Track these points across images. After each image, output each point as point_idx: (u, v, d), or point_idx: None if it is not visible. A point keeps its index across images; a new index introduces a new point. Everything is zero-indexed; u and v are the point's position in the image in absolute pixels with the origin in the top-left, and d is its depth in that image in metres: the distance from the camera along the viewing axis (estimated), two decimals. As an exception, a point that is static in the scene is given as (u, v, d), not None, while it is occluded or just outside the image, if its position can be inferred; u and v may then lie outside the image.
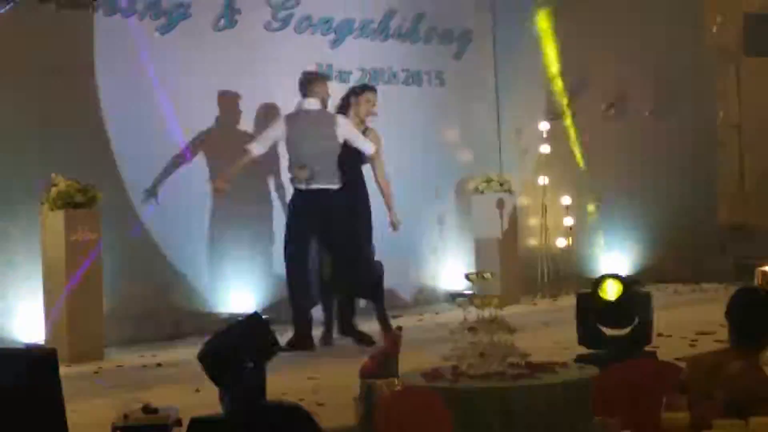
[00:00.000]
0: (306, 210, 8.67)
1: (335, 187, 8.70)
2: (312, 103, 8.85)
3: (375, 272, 8.98)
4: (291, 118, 8.89)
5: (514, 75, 11.81)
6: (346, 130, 8.84)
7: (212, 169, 9.71)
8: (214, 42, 9.96)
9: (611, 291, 6.66)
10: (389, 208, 9.21)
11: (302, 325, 8.68)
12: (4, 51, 8.80)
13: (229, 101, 9.99)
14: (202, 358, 4.10)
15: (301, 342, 8.57)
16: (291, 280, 8.80)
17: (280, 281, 10.17)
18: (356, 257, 8.80)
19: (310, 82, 8.93)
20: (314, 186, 8.65)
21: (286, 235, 8.88)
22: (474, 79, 11.54)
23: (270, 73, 10.24)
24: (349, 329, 8.87)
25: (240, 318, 4.54)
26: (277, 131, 8.90)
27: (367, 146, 8.94)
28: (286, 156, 8.96)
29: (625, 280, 6.79)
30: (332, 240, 8.75)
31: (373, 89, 9.31)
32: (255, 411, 2.52)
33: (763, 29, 13.07)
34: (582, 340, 6.72)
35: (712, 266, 12.43)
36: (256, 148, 8.95)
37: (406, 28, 11.27)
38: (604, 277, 6.82)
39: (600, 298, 6.66)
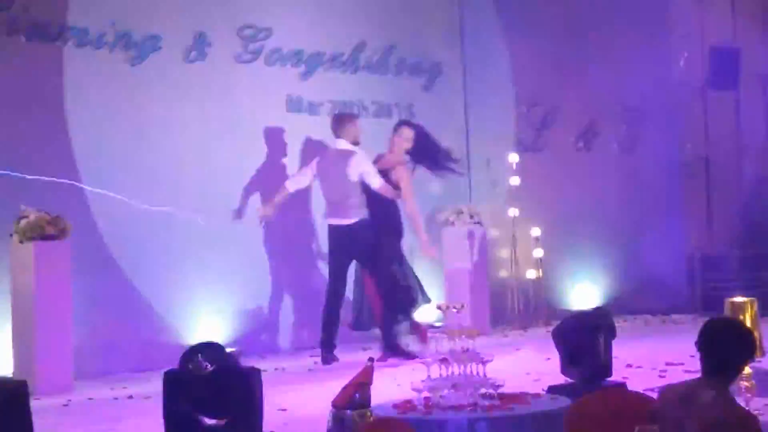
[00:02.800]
0: (333, 244, 9.48)
1: (351, 221, 9.33)
2: (340, 143, 9.52)
3: (408, 291, 9.53)
4: (321, 158, 9.61)
5: (483, 107, 11.88)
6: (360, 167, 9.41)
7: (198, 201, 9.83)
8: (185, 74, 9.98)
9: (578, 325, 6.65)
10: (421, 236, 9.76)
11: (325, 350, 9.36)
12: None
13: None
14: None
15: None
16: (323, 311, 9.47)
17: (249, 313, 10.19)
18: (386, 279, 9.39)
19: (340, 123, 9.62)
20: (334, 222, 9.45)
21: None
22: (444, 111, 11.60)
23: (241, 105, 10.27)
24: (394, 347, 9.32)
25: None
26: (308, 170, 9.70)
27: (373, 181, 9.42)
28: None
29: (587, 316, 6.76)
30: (365, 266, 9.49)
31: (407, 124, 9.98)
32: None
33: (727, 63, 13.20)
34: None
35: (682, 297, 12.51)
36: (290, 185, 9.75)
37: (375, 60, 11.32)
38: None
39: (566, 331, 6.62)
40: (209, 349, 5.62)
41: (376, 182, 9.42)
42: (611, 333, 6.65)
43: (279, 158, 10.52)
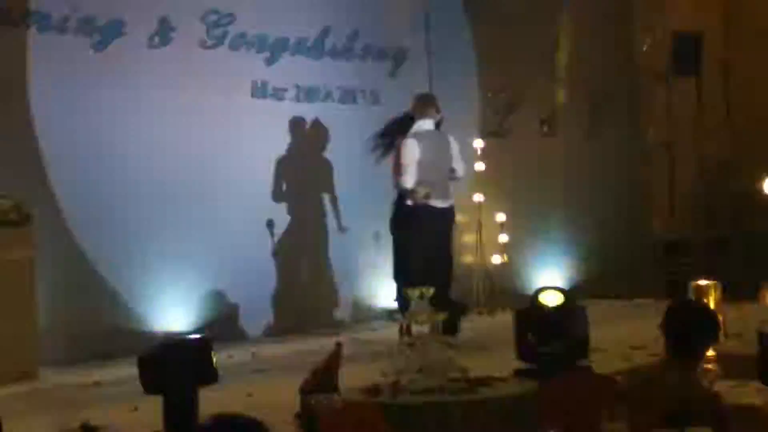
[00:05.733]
0: (429, 226, 9.18)
1: (450, 203, 9.37)
2: (428, 124, 9.42)
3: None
4: (418, 140, 9.31)
5: (448, 93, 11.86)
6: (456, 149, 9.46)
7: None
8: (148, 59, 9.91)
9: (551, 301, 6.71)
10: None
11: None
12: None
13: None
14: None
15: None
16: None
17: (216, 299, 10.17)
18: (449, 268, 9.42)
19: (427, 103, 9.54)
20: (435, 204, 9.23)
21: (400, 248, 9.35)
22: (409, 97, 11.57)
23: (206, 91, 10.22)
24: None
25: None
26: (416, 155, 9.25)
27: (460, 166, 9.48)
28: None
29: (565, 292, 6.85)
30: (434, 252, 9.26)
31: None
32: (202, 427, 2.50)
33: (690, 48, 13.27)
34: (520, 356, 6.77)
35: (646, 281, 12.59)
36: (409, 182, 9.23)
37: (341, 45, 11.31)
38: (543, 289, 6.88)
39: (538, 310, 6.69)
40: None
41: (461, 167, 9.50)
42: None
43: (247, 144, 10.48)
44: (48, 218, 8.96)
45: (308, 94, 10.97)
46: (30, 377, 8.25)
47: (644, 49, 13.71)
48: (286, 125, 10.83)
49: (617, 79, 13.28)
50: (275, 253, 10.70)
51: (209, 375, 5.41)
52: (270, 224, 10.64)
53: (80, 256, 9.43)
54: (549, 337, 6.66)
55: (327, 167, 11.09)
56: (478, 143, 12.02)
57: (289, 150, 10.86)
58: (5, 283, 8.34)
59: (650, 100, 13.77)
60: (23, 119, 9.18)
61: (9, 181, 8.70)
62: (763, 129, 13.45)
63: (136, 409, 6.36)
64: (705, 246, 12.87)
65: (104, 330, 9.38)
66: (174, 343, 5.61)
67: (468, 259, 11.90)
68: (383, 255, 9.96)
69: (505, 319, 10.48)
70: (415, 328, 5.71)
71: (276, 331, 10.45)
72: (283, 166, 10.78)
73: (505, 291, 11.81)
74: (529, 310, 6.81)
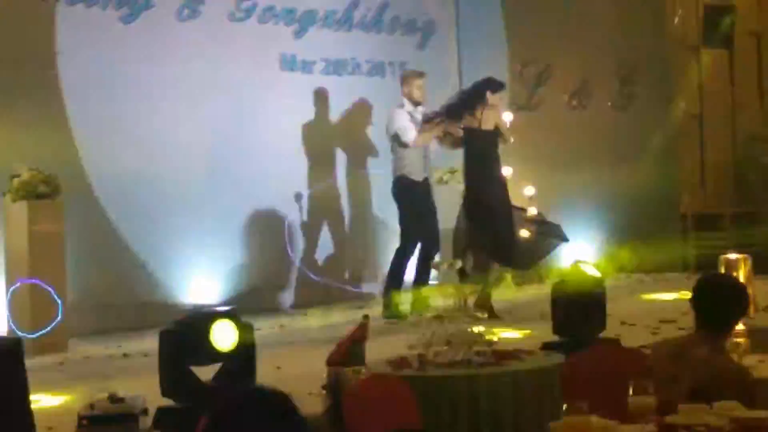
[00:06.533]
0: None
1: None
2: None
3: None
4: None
5: (477, 65, 11.80)
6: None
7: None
8: (177, 32, 9.91)
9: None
10: None
11: None
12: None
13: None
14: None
15: None
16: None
17: (243, 270, 10.19)
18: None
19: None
20: None
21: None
22: (437, 70, 11.52)
23: (234, 63, 10.21)
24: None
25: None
26: None
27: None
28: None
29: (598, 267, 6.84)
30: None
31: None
32: (229, 398, 2.49)
33: (722, 21, 13.16)
34: (556, 329, 6.71)
35: (675, 255, 12.52)
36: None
37: (369, 18, 11.27)
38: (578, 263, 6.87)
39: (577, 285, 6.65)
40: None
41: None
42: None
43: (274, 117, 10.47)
44: (77, 191, 8.99)
45: (336, 66, 10.95)
46: (59, 348, 8.30)
47: (676, 21, 13.58)
48: (313, 98, 10.80)
49: (648, 52, 13.16)
50: (303, 226, 10.70)
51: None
52: (298, 197, 10.64)
53: (109, 228, 9.46)
54: (586, 311, 6.60)
55: (354, 139, 11.06)
56: (507, 116, 11.93)
57: (317, 122, 10.85)
58: (35, 255, 8.38)
59: (681, 73, 13.65)
60: (52, 92, 9.20)
61: (38, 154, 8.73)
62: (795, 102, 13.35)
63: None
64: (735, 219, 12.79)
65: (132, 302, 9.43)
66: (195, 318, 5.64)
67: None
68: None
69: (534, 291, 10.48)
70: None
71: (304, 304, 10.45)
72: (310, 138, 10.76)
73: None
74: (565, 284, 6.78)
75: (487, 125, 9.30)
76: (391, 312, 9.16)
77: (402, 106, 9.54)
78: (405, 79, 9.73)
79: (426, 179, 9.68)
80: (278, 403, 2.47)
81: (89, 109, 9.34)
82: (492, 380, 5.27)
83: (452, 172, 10.97)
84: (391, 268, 9.51)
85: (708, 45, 13.42)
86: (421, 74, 9.76)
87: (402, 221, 9.54)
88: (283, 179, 10.46)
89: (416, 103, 9.52)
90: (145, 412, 5.52)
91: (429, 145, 9.66)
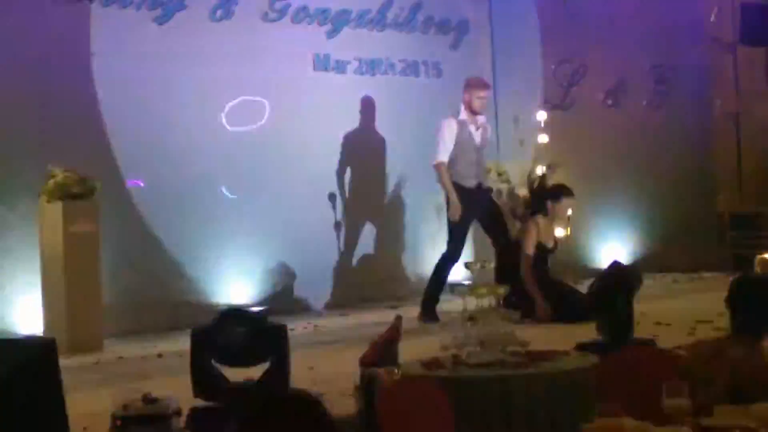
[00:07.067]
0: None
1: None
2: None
3: None
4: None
5: (511, 64, 11.80)
6: None
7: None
8: (210, 32, 9.94)
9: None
10: None
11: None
12: (1, 42, 8.79)
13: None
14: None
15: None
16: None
17: (278, 271, 10.21)
18: None
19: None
20: (485, 185, 9.56)
21: None
22: (471, 69, 11.44)
23: (267, 64, 10.23)
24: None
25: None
26: None
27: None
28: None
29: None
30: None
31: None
32: (260, 401, 2.49)
33: (758, 18, 13.06)
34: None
35: (711, 255, 12.44)
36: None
37: (403, 18, 11.25)
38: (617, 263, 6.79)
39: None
40: (237, 314, 5.68)
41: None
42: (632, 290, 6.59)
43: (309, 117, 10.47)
44: (112, 192, 9.03)
45: (370, 66, 10.94)
46: (94, 348, 8.34)
47: (712, 19, 13.48)
48: (347, 98, 10.80)
49: (684, 50, 13.08)
50: (337, 227, 10.71)
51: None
52: (332, 197, 10.64)
53: (143, 229, 9.50)
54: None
55: (388, 139, 11.05)
56: (542, 115, 11.90)
57: (351, 122, 10.84)
58: (70, 255, 8.42)
59: (718, 71, 13.55)
60: (86, 93, 9.25)
61: (74, 155, 8.78)
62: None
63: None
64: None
65: (167, 302, 9.46)
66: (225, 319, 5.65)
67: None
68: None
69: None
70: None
71: (337, 304, 10.46)
72: (344, 138, 10.76)
73: (569, 264, 11.70)
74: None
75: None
76: (428, 315, 9.12)
77: (457, 114, 9.25)
78: (468, 86, 9.33)
79: (480, 185, 9.37)
80: (308, 407, 2.47)
81: (123, 109, 9.38)
82: (526, 381, 5.23)
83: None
84: (434, 270, 9.40)
85: (744, 43, 13.32)
86: (486, 85, 9.46)
87: (449, 226, 9.41)
88: (316, 179, 10.47)
89: (474, 113, 9.32)
90: (178, 413, 5.52)
91: (485, 149, 9.53)
